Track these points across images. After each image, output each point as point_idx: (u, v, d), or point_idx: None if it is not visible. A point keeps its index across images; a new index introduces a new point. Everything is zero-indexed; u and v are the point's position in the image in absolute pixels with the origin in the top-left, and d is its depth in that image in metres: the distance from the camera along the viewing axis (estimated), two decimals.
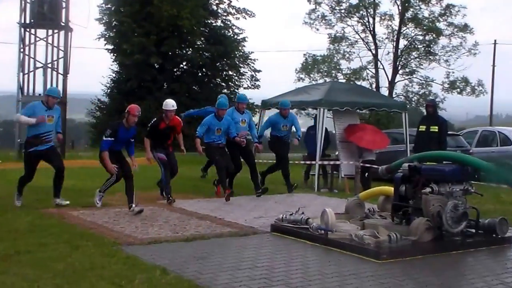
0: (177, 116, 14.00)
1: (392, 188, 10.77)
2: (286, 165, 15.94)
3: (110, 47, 43.02)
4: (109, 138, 12.07)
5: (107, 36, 43.10)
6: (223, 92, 44.77)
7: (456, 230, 9.58)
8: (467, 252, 9.39)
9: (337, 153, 18.46)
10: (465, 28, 47.84)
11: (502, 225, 10.13)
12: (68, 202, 12.64)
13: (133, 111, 12.19)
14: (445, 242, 9.48)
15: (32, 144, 12.19)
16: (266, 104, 20.21)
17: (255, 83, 46.05)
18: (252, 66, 46.02)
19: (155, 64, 41.72)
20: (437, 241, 9.42)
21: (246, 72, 45.94)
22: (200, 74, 44.47)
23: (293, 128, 16.61)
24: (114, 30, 42.77)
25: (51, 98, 12.41)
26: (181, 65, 44.32)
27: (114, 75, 44.04)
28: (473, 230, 10.08)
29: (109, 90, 44.14)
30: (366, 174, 17.26)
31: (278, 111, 16.37)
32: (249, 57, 45.76)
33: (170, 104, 13.51)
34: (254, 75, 46.05)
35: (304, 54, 49.94)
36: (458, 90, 48.75)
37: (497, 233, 10.05)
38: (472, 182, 10.19)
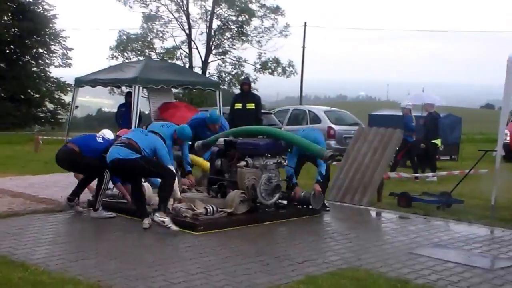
0: None
1: (208, 163, 10.98)
2: None
3: None
4: None
5: None
6: (34, 70, 43.40)
7: (270, 202, 9.97)
8: (280, 222, 9.79)
9: None
10: (276, 10, 49.04)
11: (316, 198, 10.54)
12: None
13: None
14: (259, 214, 9.82)
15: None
16: (80, 82, 19.86)
17: (67, 61, 44.99)
18: (64, 44, 44.96)
19: None
20: (252, 213, 9.74)
21: (57, 50, 44.80)
22: (8, 51, 42.80)
23: None
24: None
25: None
26: None
27: None
28: (285, 202, 10.49)
29: None
30: None
31: None
32: (60, 35, 44.63)
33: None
34: (66, 53, 45.00)
35: (119, 31, 49.33)
36: (270, 70, 49.99)
37: (311, 205, 10.48)
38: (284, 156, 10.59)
